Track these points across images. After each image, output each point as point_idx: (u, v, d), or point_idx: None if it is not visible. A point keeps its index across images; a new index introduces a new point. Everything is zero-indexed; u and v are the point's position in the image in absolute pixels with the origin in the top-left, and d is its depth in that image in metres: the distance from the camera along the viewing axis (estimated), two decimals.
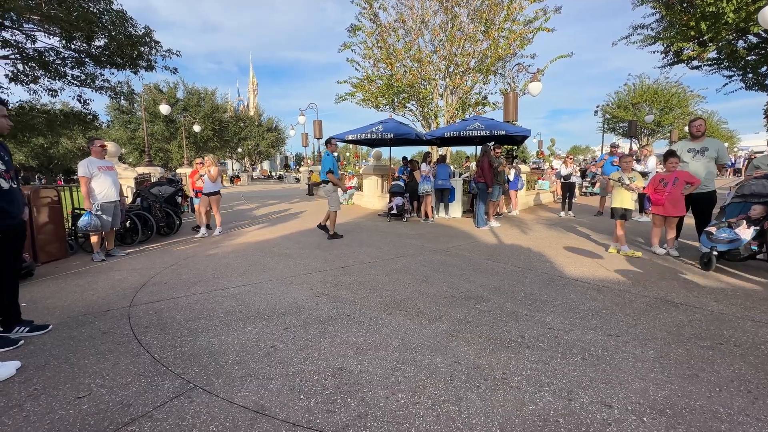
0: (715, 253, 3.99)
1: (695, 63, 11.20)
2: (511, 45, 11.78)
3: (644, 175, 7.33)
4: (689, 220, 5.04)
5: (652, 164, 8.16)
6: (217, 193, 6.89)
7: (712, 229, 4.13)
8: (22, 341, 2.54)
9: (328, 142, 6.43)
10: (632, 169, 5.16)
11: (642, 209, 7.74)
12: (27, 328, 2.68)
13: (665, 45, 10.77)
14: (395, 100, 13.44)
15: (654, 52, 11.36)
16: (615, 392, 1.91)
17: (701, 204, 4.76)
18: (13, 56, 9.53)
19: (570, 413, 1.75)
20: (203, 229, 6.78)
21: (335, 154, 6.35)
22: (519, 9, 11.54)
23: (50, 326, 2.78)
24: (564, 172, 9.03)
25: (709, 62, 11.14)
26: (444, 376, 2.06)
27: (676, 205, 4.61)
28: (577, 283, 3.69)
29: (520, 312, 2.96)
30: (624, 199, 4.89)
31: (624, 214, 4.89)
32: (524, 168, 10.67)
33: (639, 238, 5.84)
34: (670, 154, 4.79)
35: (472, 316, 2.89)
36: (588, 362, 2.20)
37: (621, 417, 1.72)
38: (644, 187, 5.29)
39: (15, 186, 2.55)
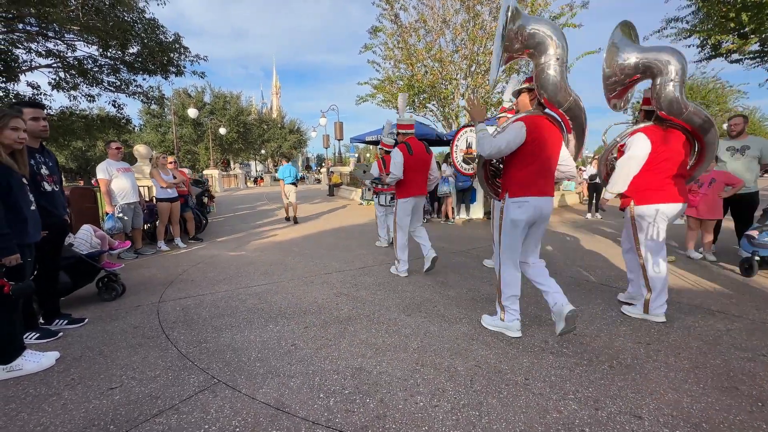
0: (756, 258, 3.73)
1: (735, 56, 10.55)
2: None
3: None
4: (728, 223, 4.75)
5: None
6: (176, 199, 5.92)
7: (754, 233, 3.87)
8: (60, 333, 2.69)
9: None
10: None
11: None
12: (65, 321, 2.84)
13: (702, 38, 10.21)
14: (416, 100, 13.39)
15: (689, 46, 10.78)
16: (645, 403, 1.82)
17: (742, 205, 4.46)
18: (55, 65, 10.16)
19: (596, 423, 1.68)
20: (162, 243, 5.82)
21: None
22: (544, 5, 11.25)
23: (86, 320, 2.93)
24: (590, 172, 8.73)
25: (751, 55, 10.46)
26: (464, 380, 2.03)
27: (711, 207, 4.35)
28: (604, 288, 3.55)
29: (544, 316, 2.88)
30: None
31: None
32: None
33: (673, 241, 5.56)
34: None
35: None
36: (616, 370, 2.11)
37: (652, 429, 1.64)
38: None
39: (57, 189, 2.72)
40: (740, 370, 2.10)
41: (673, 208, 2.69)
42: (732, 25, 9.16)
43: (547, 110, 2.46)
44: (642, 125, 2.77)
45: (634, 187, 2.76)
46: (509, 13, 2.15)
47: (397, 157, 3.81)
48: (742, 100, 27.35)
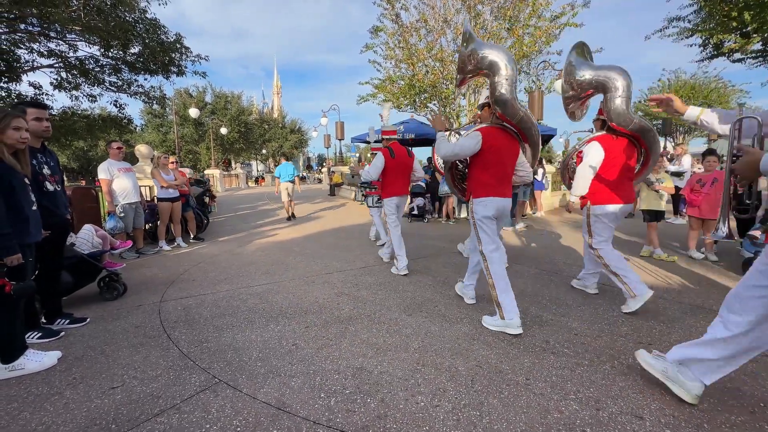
0: None
1: (737, 56, 10.52)
2: (536, 42, 11.47)
3: (679, 175, 6.95)
4: (730, 223, 4.73)
5: (687, 163, 7.73)
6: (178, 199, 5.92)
7: (756, 233, 3.86)
8: (63, 333, 2.70)
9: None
10: (666, 171, 4.92)
11: (676, 211, 7.34)
12: (67, 321, 2.85)
13: (704, 37, 10.18)
14: (417, 100, 13.37)
15: (691, 46, 10.76)
16: (647, 403, 1.81)
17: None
18: (57, 65, 10.19)
19: (598, 423, 1.68)
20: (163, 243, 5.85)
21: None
22: (545, 5, 11.23)
23: (88, 319, 2.94)
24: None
25: (753, 55, 10.42)
26: (465, 380, 2.03)
27: (713, 207, 4.34)
28: (605, 288, 3.54)
29: (545, 316, 2.87)
30: (652, 201, 4.66)
31: (656, 216, 4.66)
32: (549, 168, 10.38)
33: (674, 241, 5.54)
34: (708, 153, 4.53)
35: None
36: (618, 370, 2.10)
37: (653, 429, 1.63)
38: (680, 189, 5.03)
39: (59, 189, 2.73)
40: (742, 370, 2.09)
41: (622, 208, 3.04)
42: (734, 24, 9.13)
43: (504, 123, 2.76)
44: (596, 134, 3.11)
45: (591, 189, 3.08)
46: (461, 37, 2.37)
47: (378, 160, 4.16)
48: (745, 99, 27.21)
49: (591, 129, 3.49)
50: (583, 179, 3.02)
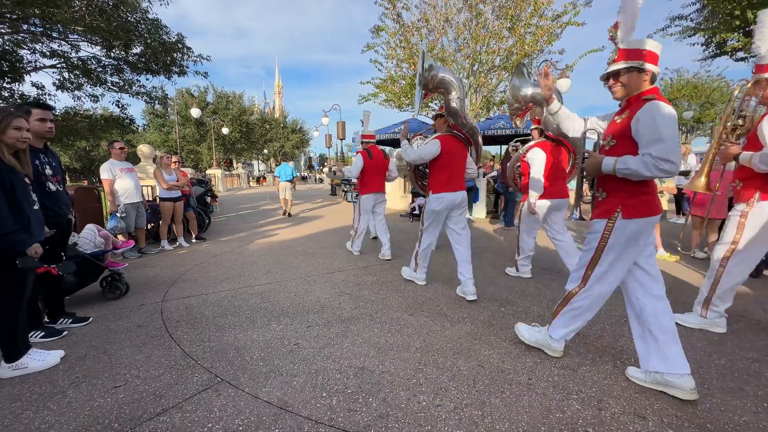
0: (762, 258, 3.70)
1: (740, 54, 10.47)
2: (538, 41, 11.45)
3: (685, 174, 6.93)
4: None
5: (692, 162, 7.70)
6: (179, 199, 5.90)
7: None
8: (65, 332, 2.71)
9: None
10: None
11: (679, 210, 7.32)
12: (70, 320, 2.86)
13: (706, 36, 10.14)
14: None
15: (694, 44, 10.72)
16: (650, 403, 1.81)
17: None
18: (59, 65, 10.22)
19: (600, 423, 1.67)
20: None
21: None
22: (547, 3, 11.20)
23: (90, 318, 2.95)
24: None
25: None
26: (467, 380, 2.03)
27: (719, 206, 4.33)
28: None
29: (547, 316, 2.87)
30: None
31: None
32: None
33: (676, 241, 5.52)
34: None
35: (496, 319, 2.83)
36: (620, 370, 2.10)
37: (656, 429, 1.63)
38: (681, 189, 5.01)
39: (61, 189, 2.74)
40: (745, 370, 2.09)
41: (559, 202, 3.67)
42: (737, 22, 9.09)
43: (455, 131, 3.43)
44: (537, 141, 3.70)
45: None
46: (425, 65, 3.21)
47: (358, 161, 4.91)
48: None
49: (530, 136, 4.05)
50: (537, 181, 3.57)
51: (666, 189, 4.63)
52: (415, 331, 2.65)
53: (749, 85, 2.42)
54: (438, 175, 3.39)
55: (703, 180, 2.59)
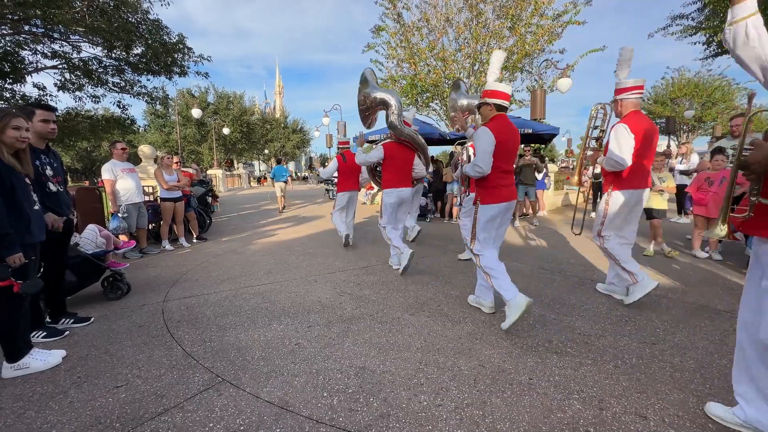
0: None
1: None
2: (538, 41, 11.44)
3: (689, 173, 6.91)
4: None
5: (695, 161, 7.68)
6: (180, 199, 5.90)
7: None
8: (67, 332, 2.72)
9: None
10: (670, 170, 4.92)
11: (681, 210, 7.30)
12: (72, 320, 2.87)
13: (708, 35, 10.12)
14: (419, 99, 13.35)
15: (695, 43, 10.70)
16: (651, 403, 1.80)
17: None
18: (61, 66, 10.25)
19: (601, 423, 1.67)
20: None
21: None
22: (547, 3, 11.18)
23: (92, 318, 2.96)
24: (593, 170, 8.67)
25: None
26: (468, 380, 2.03)
27: (718, 206, 4.32)
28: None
29: (548, 316, 2.87)
30: (653, 200, 4.64)
31: (657, 215, 4.65)
32: (552, 167, 10.34)
33: (678, 240, 5.51)
34: (717, 152, 4.50)
35: (497, 319, 2.82)
36: (621, 370, 2.09)
37: (657, 429, 1.63)
38: (685, 188, 5.01)
39: (62, 189, 2.74)
40: None
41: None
42: None
43: (399, 139, 4.12)
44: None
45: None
46: (359, 87, 3.94)
47: (332, 164, 5.72)
48: (745, 99, 26.90)
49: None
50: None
51: (667, 189, 4.63)
52: (415, 330, 2.65)
53: (605, 106, 3.34)
54: (387, 174, 4.17)
55: (575, 179, 3.57)
